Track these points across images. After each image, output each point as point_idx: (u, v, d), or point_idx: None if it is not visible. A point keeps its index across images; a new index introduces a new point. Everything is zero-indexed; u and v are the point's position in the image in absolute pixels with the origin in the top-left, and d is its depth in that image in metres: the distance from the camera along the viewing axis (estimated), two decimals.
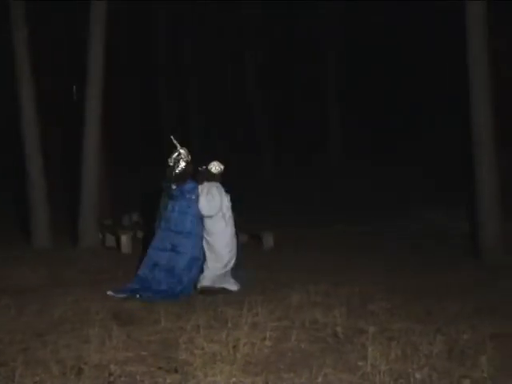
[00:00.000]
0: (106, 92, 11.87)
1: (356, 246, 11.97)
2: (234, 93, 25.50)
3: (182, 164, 8.19)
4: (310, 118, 24.25)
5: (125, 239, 11.75)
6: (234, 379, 5.20)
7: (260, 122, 23.64)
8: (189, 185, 8.22)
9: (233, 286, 8.42)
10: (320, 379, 5.21)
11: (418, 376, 5.23)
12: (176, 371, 5.35)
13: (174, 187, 8.20)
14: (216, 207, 8.17)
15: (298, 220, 14.62)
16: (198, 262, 8.28)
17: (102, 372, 5.33)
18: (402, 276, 9.28)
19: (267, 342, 6.04)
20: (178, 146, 8.40)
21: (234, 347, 5.81)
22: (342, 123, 22.79)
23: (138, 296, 7.92)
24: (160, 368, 5.43)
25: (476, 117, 10.72)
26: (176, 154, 8.34)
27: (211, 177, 8.29)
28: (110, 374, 5.29)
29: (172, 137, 8.43)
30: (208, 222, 8.32)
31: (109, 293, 8.08)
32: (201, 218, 8.28)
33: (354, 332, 6.37)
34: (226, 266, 8.36)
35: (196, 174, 8.32)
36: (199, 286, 8.30)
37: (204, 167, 8.34)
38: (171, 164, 8.33)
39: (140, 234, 12.97)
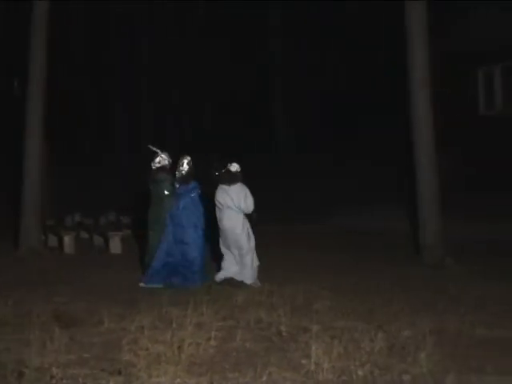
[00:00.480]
0: (47, 92, 11.69)
1: (299, 244, 12.06)
2: (183, 93, 25.48)
3: (186, 167, 9.01)
4: (257, 116, 24.37)
5: (67, 240, 11.63)
6: (178, 380, 5.18)
7: (207, 121, 23.73)
8: (191, 185, 9.06)
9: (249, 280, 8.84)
10: (264, 378, 5.24)
11: (360, 373, 5.31)
12: (119, 373, 5.30)
13: (177, 186, 9.03)
14: (252, 203, 8.88)
15: None
16: (203, 252, 9.15)
17: (44, 375, 5.25)
18: (345, 274, 9.40)
19: (212, 342, 6.05)
20: (159, 151, 9.28)
21: (179, 347, 5.80)
22: (288, 122, 22.97)
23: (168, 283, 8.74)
24: (103, 370, 5.36)
25: (415, 117, 10.87)
26: (158, 158, 9.24)
27: (234, 176, 8.90)
28: (52, 377, 5.21)
29: (150, 146, 9.26)
30: (228, 215, 8.81)
31: (141, 284, 8.77)
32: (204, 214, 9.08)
33: (298, 330, 6.44)
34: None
35: (220, 177, 8.97)
36: (218, 278, 8.89)
37: (222, 170, 8.97)
38: (154, 168, 9.23)
39: (84, 235, 12.83)
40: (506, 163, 15.63)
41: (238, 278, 8.84)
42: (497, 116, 16.78)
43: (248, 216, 8.98)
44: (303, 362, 5.56)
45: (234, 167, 8.93)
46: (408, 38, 10.83)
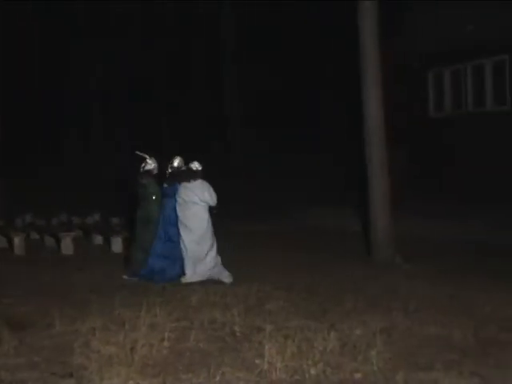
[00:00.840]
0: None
1: (251, 245, 12.06)
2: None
3: (173, 167, 9.31)
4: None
5: (17, 241, 11.40)
6: (131, 382, 5.15)
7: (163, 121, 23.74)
8: (174, 186, 9.27)
9: (227, 278, 8.95)
10: (218, 378, 5.25)
11: (312, 372, 5.37)
12: (71, 376, 5.24)
13: (165, 186, 9.37)
14: (215, 196, 9.14)
15: None
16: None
17: None
18: (298, 274, 9.45)
19: (165, 343, 6.03)
20: (147, 156, 9.61)
21: (132, 349, 5.76)
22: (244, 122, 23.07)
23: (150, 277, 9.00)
24: (54, 373, 5.29)
25: (367, 115, 10.97)
26: (144, 164, 9.56)
27: (194, 174, 9.16)
28: (1, 381, 5.12)
29: (137, 152, 9.59)
30: (199, 212, 9.01)
31: (124, 277, 9.12)
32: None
33: (252, 330, 6.46)
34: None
35: (181, 176, 9.19)
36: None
37: (184, 167, 9.29)
38: (141, 171, 9.56)
39: (35, 235, 12.62)
40: (455, 164, 15.96)
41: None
42: (445, 117, 17.08)
43: (211, 213, 9.18)
44: (257, 361, 5.59)
45: (195, 166, 9.20)
46: (360, 38, 10.92)
